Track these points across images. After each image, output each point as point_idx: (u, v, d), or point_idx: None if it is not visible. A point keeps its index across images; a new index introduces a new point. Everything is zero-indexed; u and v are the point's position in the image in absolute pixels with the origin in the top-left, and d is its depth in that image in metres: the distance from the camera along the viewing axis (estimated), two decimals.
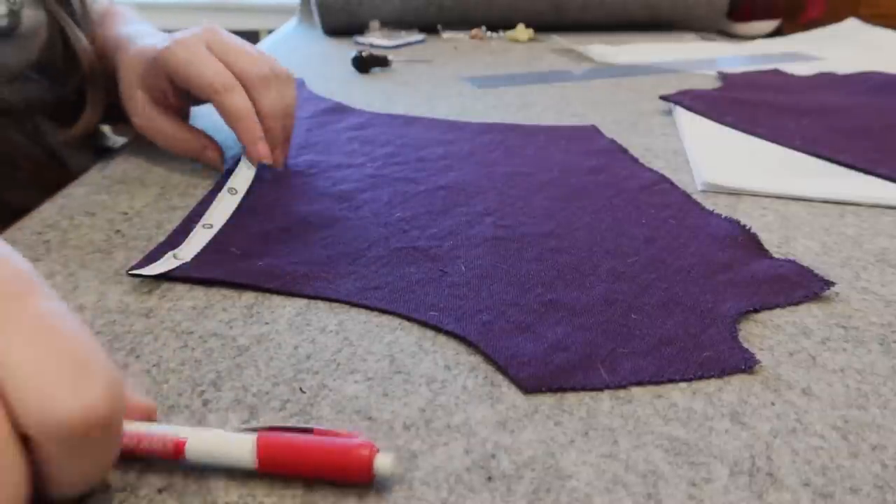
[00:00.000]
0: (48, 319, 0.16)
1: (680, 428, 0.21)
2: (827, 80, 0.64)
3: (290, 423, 0.21)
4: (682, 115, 0.52)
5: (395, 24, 0.90)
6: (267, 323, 0.26)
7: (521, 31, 0.89)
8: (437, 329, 0.26)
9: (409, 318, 0.27)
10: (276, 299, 0.28)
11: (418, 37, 0.87)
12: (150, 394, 0.22)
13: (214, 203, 0.34)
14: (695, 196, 0.38)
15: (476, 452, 0.20)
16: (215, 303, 0.28)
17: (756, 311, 0.27)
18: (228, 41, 0.37)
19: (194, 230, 0.32)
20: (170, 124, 0.40)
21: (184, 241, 0.31)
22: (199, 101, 0.41)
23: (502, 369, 0.23)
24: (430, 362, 0.24)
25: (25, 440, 0.15)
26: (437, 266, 0.30)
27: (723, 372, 0.24)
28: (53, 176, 0.41)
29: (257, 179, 0.37)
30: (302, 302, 0.28)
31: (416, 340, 0.25)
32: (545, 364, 0.23)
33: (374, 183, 0.39)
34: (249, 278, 0.29)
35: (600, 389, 0.23)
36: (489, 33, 0.91)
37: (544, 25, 0.92)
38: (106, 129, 0.55)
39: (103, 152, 0.49)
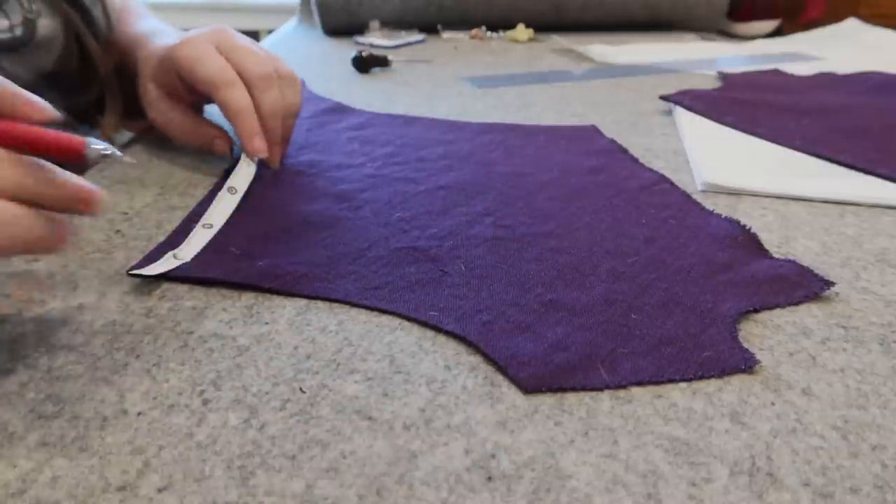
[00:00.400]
0: None
1: (680, 428, 0.21)
2: (827, 80, 0.64)
3: (290, 423, 0.21)
4: (682, 115, 0.52)
5: (395, 24, 0.90)
6: (267, 323, 0.26)
7: (521, 31, 0.89)
8: (437, 329, 0.26)
9: (409, 318, 0.27)
10: (276, 299, 0.28)
11: (418, 37, 0.87)
12: (149, 393, 0.22)
13: (214, 203, 0.34)
14: (695, 196, 0.38)
15: (476, 452, 0.20)
16: (215, 303, 0.28)
17: (756, 311, 0.27)
18: (236, 41, 0.38)
19: (194, 230, 0.32)
20: (181, 117, 0.41)
21: (184, 241, 0.31)
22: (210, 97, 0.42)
23: (502, 369, 0.23)
24: (430, 362, 0.24)
25: None
26: (437, 266, 0.30)
27: (723, 372, 0.24)
28: None
29: (257, 179, 0.37)
30: (302, 302, 0.28)
31: (416, 340, 0.25)
32: (545, 364, 0.23)
33: (374, 183, 0.39)
34: (249, 278, 0.29)
35: (600, 389, 0.23)
36: (489, 33, 0.91)
37: (544, 25, 0.92)
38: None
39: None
